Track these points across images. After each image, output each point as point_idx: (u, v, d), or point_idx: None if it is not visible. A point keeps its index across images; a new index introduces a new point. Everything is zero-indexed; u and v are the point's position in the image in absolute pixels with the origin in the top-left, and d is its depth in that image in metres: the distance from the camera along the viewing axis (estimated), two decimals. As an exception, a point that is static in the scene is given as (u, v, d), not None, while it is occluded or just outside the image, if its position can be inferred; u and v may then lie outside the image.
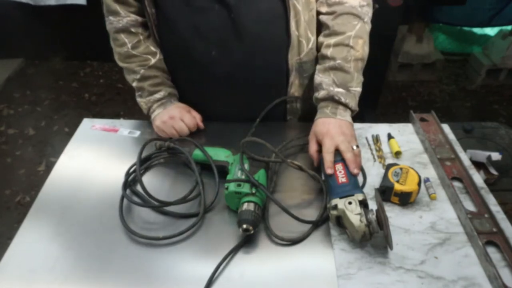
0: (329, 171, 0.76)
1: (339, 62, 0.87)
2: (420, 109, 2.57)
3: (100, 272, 0.68)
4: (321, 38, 0.93)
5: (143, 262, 0.70)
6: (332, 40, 0.89)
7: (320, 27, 0.95)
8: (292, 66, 0.96)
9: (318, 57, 0.94)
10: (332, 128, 0.82)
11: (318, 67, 0.92)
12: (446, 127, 0.97)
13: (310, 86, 1.04)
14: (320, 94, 0.88)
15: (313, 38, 0.96)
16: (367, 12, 0.90)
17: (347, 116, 0.86)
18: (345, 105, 0.86)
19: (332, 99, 0.86)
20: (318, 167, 0.87)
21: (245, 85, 0.97)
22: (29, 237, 0.74)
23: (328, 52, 0.89)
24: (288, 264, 0.69)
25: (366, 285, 0.65)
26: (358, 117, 1.04)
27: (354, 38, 0.88)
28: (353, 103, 0.87)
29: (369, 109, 2.47)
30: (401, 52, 2.79)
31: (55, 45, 3.04)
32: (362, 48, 0.89)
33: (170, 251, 0.71)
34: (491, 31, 2.92)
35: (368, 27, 0.91)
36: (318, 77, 0.90)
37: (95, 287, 0.66)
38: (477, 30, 2.99)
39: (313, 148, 0.84)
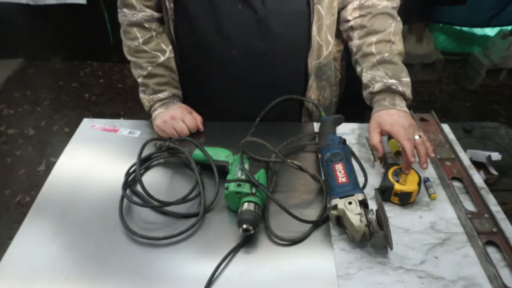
0: (412, 159, 0.77)
1: (387, 55, 0.89)
2: (420, 109, 2.57)
3: (100, 272, 0.68)
4: (357, 41, 0.94)
5: (143, 262, 0.69)
6: (374, 38, 0.91)
7: (348, 31, 0.96)
8: (311, 70, 0.96)
9: (358, 58, 0.94)
10: (399, 119, 0.82)
11: (363, 66, 0.92)
12: (446, 127, 0.97)
13: (325, 88, 1.04)
14: (376, 87, 0.88)
15: (332, 41, 0.96)
16: (397, 13, 0.94)
17: (404, 106, 0.87)
18: (402, 95, 0.87)
19: (389, 90, 0.87)
20: (318, 167, 0.87)
21: (263, 85, 0.96)
22: (29, 237, 0.74)
23: (372, 49, 0.90)
24: (288, 264, 0.69)
25: (366, 285, 0.65)
26: (358, 117, 1.04)
27: (393, 35, 0.91)
28: (408, 91, 0.88)
29: (370, 109, 2.47)
30: (401, 52, 2.79)
31: (55, 45, 3.05)
32: (401, 43, 0.92)
33: (170, 251, 0.71)
34: (491, 31, 2.92)
35: (401, 25, 0.94)
36: (368, 74, 0.90)
37: (95, 287, 0.66)
38: (477, 30, 2.99)
39: (377, 139, 0.84)
